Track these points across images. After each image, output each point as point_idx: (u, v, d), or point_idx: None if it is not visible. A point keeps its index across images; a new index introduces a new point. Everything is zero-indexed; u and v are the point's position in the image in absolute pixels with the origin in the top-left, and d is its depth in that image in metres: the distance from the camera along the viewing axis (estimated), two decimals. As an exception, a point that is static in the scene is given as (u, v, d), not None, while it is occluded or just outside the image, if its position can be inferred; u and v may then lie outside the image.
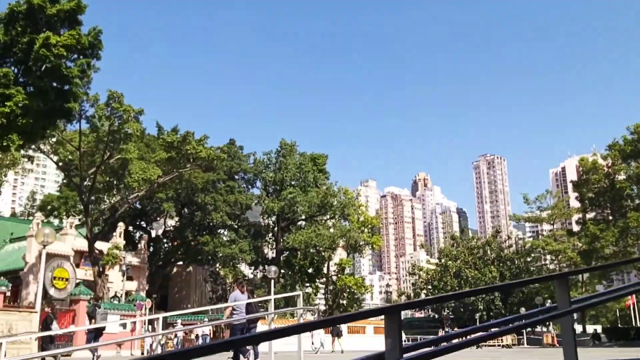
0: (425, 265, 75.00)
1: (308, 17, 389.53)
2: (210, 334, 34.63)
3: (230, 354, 12.18)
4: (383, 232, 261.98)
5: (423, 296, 69.83)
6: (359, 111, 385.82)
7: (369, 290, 65.34)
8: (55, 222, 46.05)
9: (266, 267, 58.17)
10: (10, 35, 23.66)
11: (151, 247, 51.68)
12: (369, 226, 58.27)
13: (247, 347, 12.56)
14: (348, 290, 56.73)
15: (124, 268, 35.45)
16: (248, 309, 12.62)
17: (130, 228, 51.07)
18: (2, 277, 40.27)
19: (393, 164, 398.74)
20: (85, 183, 35.05)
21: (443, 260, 69.22)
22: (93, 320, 16.93)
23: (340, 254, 68.86)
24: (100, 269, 35.29)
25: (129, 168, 34.36)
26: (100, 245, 39.65)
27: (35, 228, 41.39)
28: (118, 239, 46.85)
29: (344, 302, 57.94)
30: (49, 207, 41.95)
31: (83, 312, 30.19)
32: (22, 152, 34.85)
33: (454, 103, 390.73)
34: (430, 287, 67.82)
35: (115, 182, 35.91)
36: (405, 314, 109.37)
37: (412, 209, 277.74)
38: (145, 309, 33.26)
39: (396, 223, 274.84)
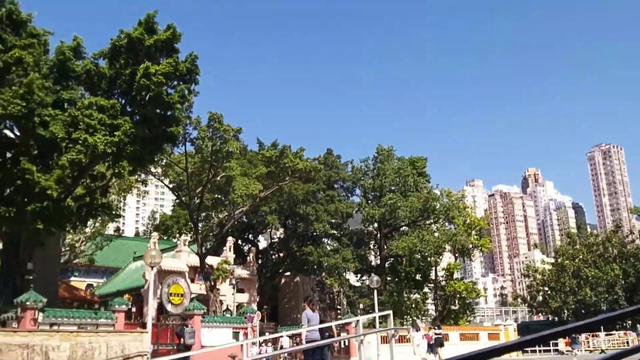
0: (540, 265, 71.04)
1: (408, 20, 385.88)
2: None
3: None
4: (493, 233, 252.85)
5: (540, 298, 66.29)
6: (460, 108, 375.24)
7: (481, 295, 62.94)
8: (173, 240, 48.82)
9: (371, 275, 58.04)
10: (114, 68, 25.37)
11: (259, 260, 53.21)
12: (477, 228, 56.22)
13: None
14: (458, 295, 55.03)
15: (233, 282, 36.61)
16: (321, 328, 13.15)
17: (239, 242, 52.89)
18: (125, 295, 43.34)
19: (500, 162, 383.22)
20: (194, 202, 36.71)
21: (560, 260, 65.25)
22: (182, 339, 17.46)
23: (448, 259, 67.11)
24: (212, 284, 36.73)
25: (232, 185, 35.61)
26: (211, 260, 41.38)
27: (152, 247, 44.07)
28: (228, 253, 48.70)
29: (455, 308, 56.29)
30: (163, 226, 44.43)
31: (198, 325, 31.57)
32: (136, 176, 37.19)
33: (560, 93, 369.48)
34: (547, 288, 64.20)
35: (221, 199, 37.32)
36: (522, 316, 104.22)
37: (524, 206, 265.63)
38: (256, 320, 34.11)
39: (507, 222, 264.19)
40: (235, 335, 34.01)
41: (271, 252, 54.77)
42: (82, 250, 49.11)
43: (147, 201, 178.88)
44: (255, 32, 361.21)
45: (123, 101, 26.05)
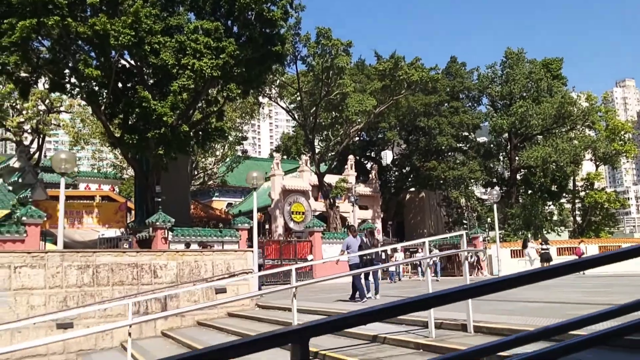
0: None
1: None
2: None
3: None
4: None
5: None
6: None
7: (626, 205, 57.88)
8: (298, 160, 49.76)
9: (503, 187, 55.39)
10: (216, -11, 25.07)
11: (383, 176, 52.83)
12: (621, 133, 50.94)
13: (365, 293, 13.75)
14: (600, 206, 51.02)
15: (352, 199, 36.64)
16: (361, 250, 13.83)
17: (361, 159, 52.69)
18: (258, 213, 45.42)
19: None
20: (310, 121, 36.63)
21: None
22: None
23: (589, 167, 62.07)
24: (331, 201, 37.07)
25: (346, 102, 34.86)
26: (331, 178, 41.71)
27: (276, 167, 45.29)
28: (349, 171, 48.80)
29: (597, 219, 52.46)
30: (284, 147, 45.30)
31: (319, 243, 32.32)
32: (250, 98, 37.70)
33: None
34: None
35: (336, 117, 36.86)
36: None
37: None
38: (377, 236, 34.10)
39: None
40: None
41: (394, 168, 53.98)
42: (215, 173, 51.79)
43: (279, 123, 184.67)
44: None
45: (227, 22, 25.88)
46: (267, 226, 43.68)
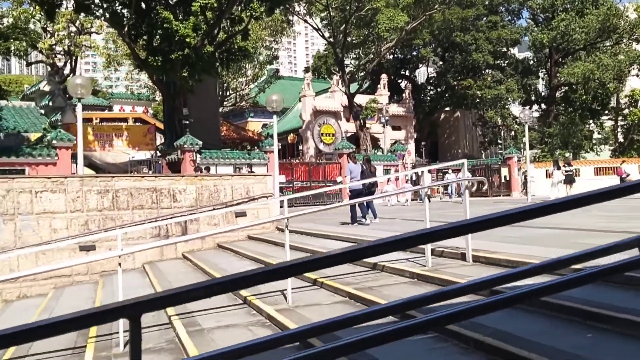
0: None
1: None
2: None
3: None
4: None
5: None
6: None
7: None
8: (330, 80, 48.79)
9: (542, 105, 53.56)
10: None
11: (418, 95, 51.65)
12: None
13: (360, 217, 13.90)
14: (644, 124, 49.01)
15: (382, 120, 36.07)
16: (363, 177, 14.05)
17: (395, 78, 51.38)
18: (290, 135, 45.32)
19: None
20: (339, 39, 35.58)
21: None
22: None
23: (635, 84, 59.27)
24: (362, 122, 36.59)
25: (376, 18, 33.55)
26: (362, 98, 41.00)
27: (307, 88, 44.67)
28: (382, 90, 47.79)
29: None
30: (315, 66, 44.44)
31: (345, 165, 32.21)
32: (278, 15, 36.68)
33: None
34: None
35: (367, 35, 35.64)
36: None
37: None
38: (407, 158, 33.83)
39: None
40: (386, 172, 34.29)
41: (429, 87, 52.60)
42: (247, 93, 51.55)
43: (315, 40, 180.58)
44: None
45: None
46: (300, 147, 43.72)
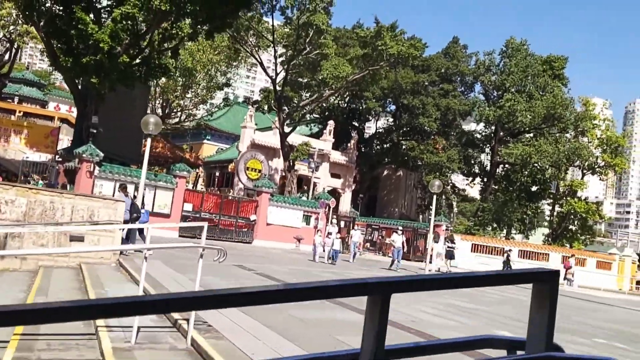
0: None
1: None
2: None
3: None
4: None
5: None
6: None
7: (605, 219, 56.51)
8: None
9: (484, 179, 53.78)
10: None
11: (364, 148, 51.27)
12: (613, 145, 48.93)
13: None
14: (579, 216, 49.40)
15: (312, 165, 35.25)
16: (132, 209, 15.91)
17: (345, 127, 50.95)
18: (231, 165, 43.96)
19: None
20: (278, 77, 34.94)
21: None
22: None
23: (575, 175, 60.35)
24: (290, 163, 35.67)
25: (322, 64, 33.09)
26: (299, 139, 40.25)
27: (248, 119, 43.75)
28: (328, 136, 47.26)
29: (573, 227, 50.87)
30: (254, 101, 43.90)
31: (265, 203, 31.07)
32: (229, 45, 36.05)
33: None
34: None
35: (309, 79, 35.11)
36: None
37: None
38: (330, 208, 32.88)
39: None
40: (306, 219, 33.28)
41: (375, 141, 52.34)
42: (194, 114, 50.38)
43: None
44: None
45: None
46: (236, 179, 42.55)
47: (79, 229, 13.48)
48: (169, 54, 27.06)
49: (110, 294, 8.79)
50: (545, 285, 1.14)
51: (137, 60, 24.95)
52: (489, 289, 19.97)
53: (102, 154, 24.51)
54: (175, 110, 47.50)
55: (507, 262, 35.47)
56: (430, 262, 25.42)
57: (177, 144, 48.87)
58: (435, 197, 25.03)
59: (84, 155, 24.07)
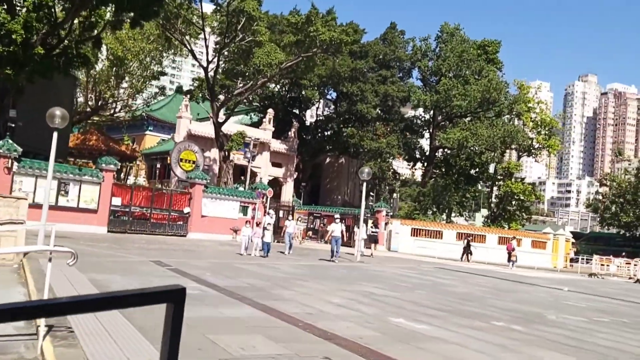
0: (622, 176, 63.93)
1: None
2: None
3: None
4: (599, 134, 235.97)
5: (613, 209, 60.19)
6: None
7: (540, 199, 58.35)
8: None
9: (424, 164, 54.54)
10: None
11: (306, 136, 51.06)
12: (547, 127, 50.46)
13: None
14: (517, 197, 50.78)
15: (247, 155, 34.83)
16: None
17: (285, 115, 50.57)
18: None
19: (622, 58, 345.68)
20: (211, 66, 34.25)
21: (646, 174, 58.09)
22: None
23: (512, 157, 62.09)
24: (225, 154, 35.15)
25: (253, 51, 32.60)
26: (234, 128, 39.76)
27: (184, 109, 42.86)
28: (267, 125, 46.81)
29: (511, 208, 52.31)
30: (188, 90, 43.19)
31: (199, 195, 30.53)
32: (160, 33, 35.09)
33: None
34: (622, 200, 58.02)
35: (242, 66, 34.56)
36: (590, 226, 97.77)
37: (639, 109, 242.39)
38: (267, 198, 32.58)
39: (616, 125, 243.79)
40: (243, 210, 32.92)
41: (316, 129, 52.22)
42: (129, 105, 48.95)
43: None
44: None
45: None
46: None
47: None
48: (90, 43, 26.02)
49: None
50: (171, 305, 1.09)
51: (57, 51, 23.86)
52: (413, 273, 20.21)
53: (20, 149, 23.47)
54: (109, 102, 45.96)
55: (467, 248, 36.08)
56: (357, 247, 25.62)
57: (113, 137, 47.47)
58: (365, 184, 25.07)
59: (0, 151, 22.98)
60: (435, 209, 47.11)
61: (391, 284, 15.04)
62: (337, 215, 36.05)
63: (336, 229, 23.33)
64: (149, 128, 57.72)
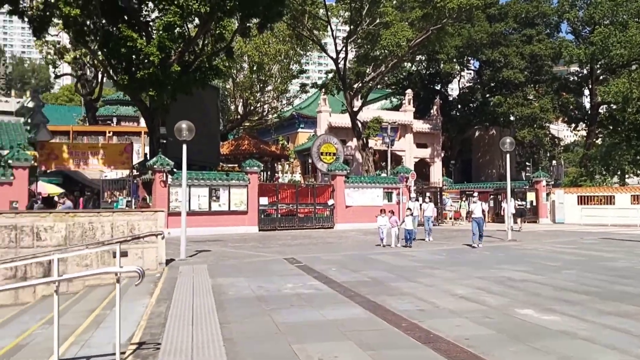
0: None
1: None
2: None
3: None
4: None
5: None
6: None
7: None
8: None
9: (587, 124, 49.30)
10: None
11: (450, 112, 49.05)
12: None
13: None
14: None
15: (386, 140, 34.21)
16: None
17: (425, 94, 49.04)
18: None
19: None
20: (342, 54, 34.14)
21: None
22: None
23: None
24: (364, 142, 34.87)
25: (381, 33, 31.89)
26: (372, 114, 39.31)
27: (322, 103, 43.46)
28: (407, 106, 45.80)
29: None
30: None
31: (341, 186, 30.65)
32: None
33: None
34: None
35: (368, 50, 34.01)
36: None
37: None
38: (410, 180, 31.75)
39: None
40: (388, 196, 32.39)
41: (460, 103, 49.84)
42: (274, 107, 50.87)
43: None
44: None
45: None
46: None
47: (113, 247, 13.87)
48: (223, 55, 27.28)
49: (110, 316, 8.83)
50: None
51: (193, 67, 25.39)
52: (570, 248, 18.14)
53: (172, 163, 25.31)
54: (256, 106, 48.17)
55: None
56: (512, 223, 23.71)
57: (266, 139, 49.85)
58: (507, 155, 23.29)
59: (155, 166, 24.99)
60: (604, 172, 42.48)
61: (537, 264, 13.60)
62: (475, 193, 33.91)
63: (476, 208, 20.24)
64: (300, 125, 59.46)
